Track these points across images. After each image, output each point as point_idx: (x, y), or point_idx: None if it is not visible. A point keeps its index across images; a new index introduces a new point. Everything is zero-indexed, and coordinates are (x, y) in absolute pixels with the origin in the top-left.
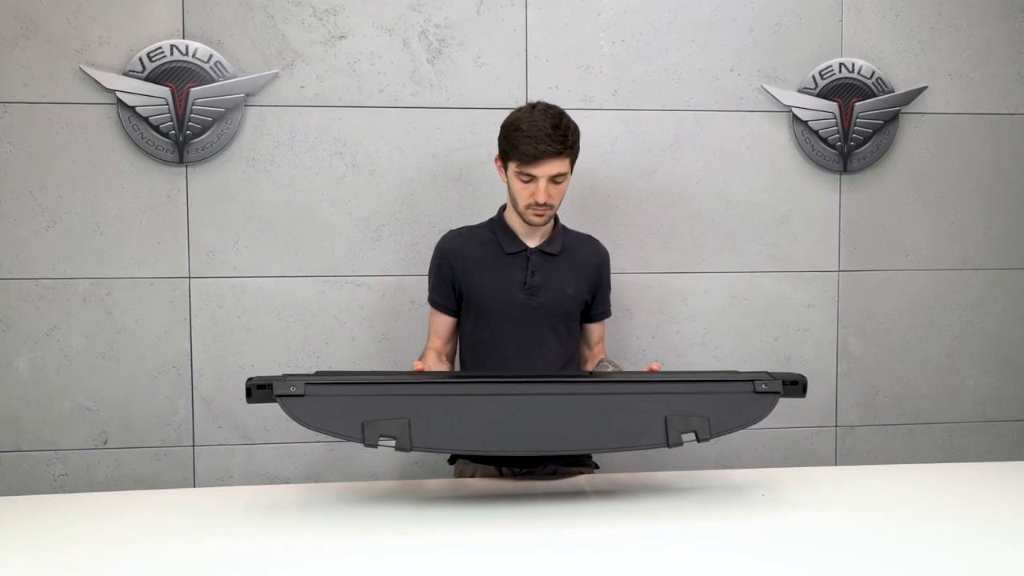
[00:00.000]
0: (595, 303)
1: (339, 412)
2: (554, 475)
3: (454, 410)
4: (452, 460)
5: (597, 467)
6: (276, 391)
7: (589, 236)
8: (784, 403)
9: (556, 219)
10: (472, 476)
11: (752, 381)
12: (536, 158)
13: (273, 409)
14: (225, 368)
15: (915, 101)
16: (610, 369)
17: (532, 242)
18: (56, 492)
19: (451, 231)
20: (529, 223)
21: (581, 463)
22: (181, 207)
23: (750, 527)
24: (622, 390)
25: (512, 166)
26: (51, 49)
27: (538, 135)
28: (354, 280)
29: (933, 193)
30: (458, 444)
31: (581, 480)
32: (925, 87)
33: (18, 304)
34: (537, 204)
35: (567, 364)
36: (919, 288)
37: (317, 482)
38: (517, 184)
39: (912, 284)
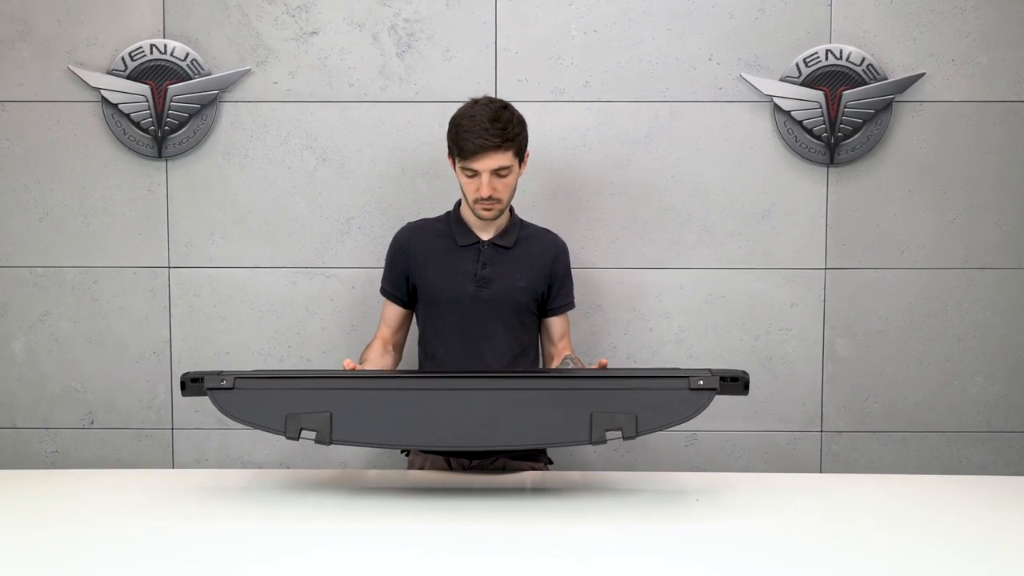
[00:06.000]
0: (552, 296)
1: (265, 406)
2: (503, 469)
3: (376, 405)
4: (406, 451)
5: (551, 463)
6: (207, 384)
7: (546, 230)
8: (765, 405)
9: (512, 212)
10: (422, 468)
11: (688, 378)
12: (475, 152)
13: None
14: (202, 355)
15: (911, 89)
16: (571, 367)
17: (486, 235)
18: (48, 468)
19: (408, 223)
20: (479, 217)
21: (533, 458)
22: (161, 200)
23: (679, 532)
24: (550, 386)
25: (457, 161)
26: (43, 50)
27: (476, 129)
28: (324, 272)
29: (933, 187)
30: (380, 438)
31: (527, 476)
32: (922, 74)
33: (14, 290)
34: (483, 199)
35: (519, 357)
36: (916, 288)
37: (288, 468)
38: (463, 179)
39: (908, 283)
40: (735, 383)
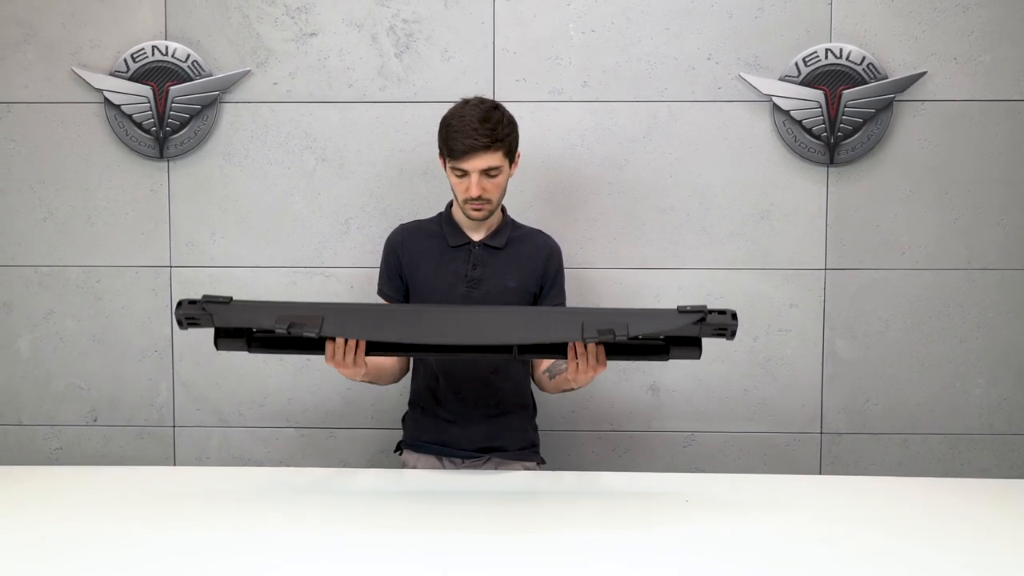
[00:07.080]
0: (543, 297)
1: (260, 313)
2: (496, 469)
3: (369, 317)
4: (399, 450)
5: (543, 462)
6: (204, 298)
7: (538, 230)
8: (765, 406)
9: (504, 212)
10: (415, 467)
11: (675, 307)
12: (464, 152)
13: (248, 394)
14: (203, 354)
15: (912, 88)
16: (562, 368)
17: (477, 235)
18: (51, 464)
19: (401, 225)
20: (469, 218)
21: (526, 457)
22: (163, 200)
23: (673, 533)
24: (543, 310)
25: (447, 161)
26: (47, 52)
27: (465, 129)
28: (323, 271)
29: (935, 186)
30: (370, 334)
31: (520, 476)
32: (924, 73)
33: (20, 289)
34: (472, 199)
35: (510, 359)
36: (917, 289)
37: (287, 466)
38: (453, 179)
39: (909, 284)
40: (723, 315)
